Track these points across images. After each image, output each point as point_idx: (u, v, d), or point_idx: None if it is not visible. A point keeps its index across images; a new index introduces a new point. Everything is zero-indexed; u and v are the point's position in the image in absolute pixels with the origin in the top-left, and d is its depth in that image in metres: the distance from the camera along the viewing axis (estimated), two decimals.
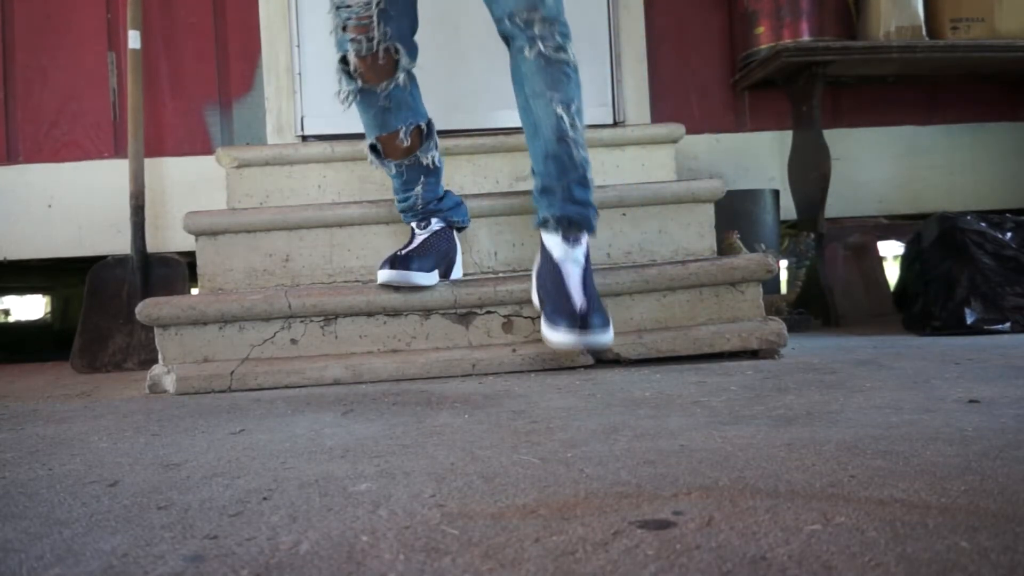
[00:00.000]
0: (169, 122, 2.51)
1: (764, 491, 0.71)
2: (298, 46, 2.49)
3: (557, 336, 1.41)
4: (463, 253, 1.82)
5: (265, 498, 0.77)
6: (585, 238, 1.50)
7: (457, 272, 1.73)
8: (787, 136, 2.57)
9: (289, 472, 0.87)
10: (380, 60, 1.54)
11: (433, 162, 1.66)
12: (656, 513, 0.66)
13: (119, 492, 0.82)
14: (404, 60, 1.56)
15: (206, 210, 1.89)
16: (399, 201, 1.70)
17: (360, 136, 1.74)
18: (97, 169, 2.47)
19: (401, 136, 1.60)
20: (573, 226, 1.48)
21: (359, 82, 1.57)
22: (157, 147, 2.48)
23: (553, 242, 1.49)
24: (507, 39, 1.51)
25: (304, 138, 2.49)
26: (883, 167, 2.70)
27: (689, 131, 2.44)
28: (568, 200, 1.48)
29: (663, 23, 2.62)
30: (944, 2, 2.44)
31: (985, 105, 2.74)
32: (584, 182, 1.49)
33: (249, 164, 2.08)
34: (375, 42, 1.51)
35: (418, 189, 1.66)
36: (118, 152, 2.47)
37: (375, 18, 1.50)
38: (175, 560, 0.60)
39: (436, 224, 1.69)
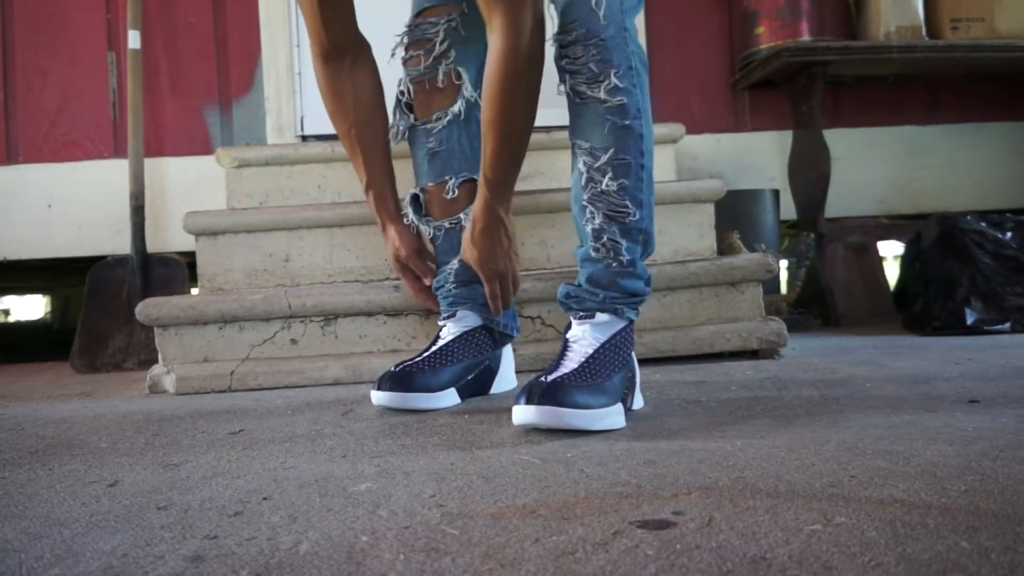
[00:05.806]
0: (169, 122, 2.50)
1: (764, 491, 0.71)
2: (298, 46, 2.49)
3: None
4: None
5: (265, 498, 0.77)
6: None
7: (500, 387, 1.36)
8: (787, 136, 2.57)
9: (289, 472, 0.87)
10: (440, 84, 1.29)
11: None
12: (656, 513, 0.66)
13: (119, 492, 0.82)
14: (468, 89, 1.30)
15: (206, 210, 1.89)
16: (436, 278, 1.37)
17: None
18: (97, 169, 2.47)
19: (448, 188, 1.31)
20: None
21: (411, 117, 1.34)
22: (157, 147, 2.48)
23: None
24: None
25: (304, 138, 2.49)
26: (883, 167, 2.70)
27: (689, 131, 2.44)
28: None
29: (663, 23, 2.62)
30: (944, 2, 2.44)
31: (985, 105, 2.74)
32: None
33: (249, 164, 2.08)
34: (433, 59, 1.29)
35: (454, 263, 1.32)
36: (118, 152, 2.47)
37: (441, 32, 1.27)
38: (175, 560, 0.60)
39: (466, 321, 1.31)
